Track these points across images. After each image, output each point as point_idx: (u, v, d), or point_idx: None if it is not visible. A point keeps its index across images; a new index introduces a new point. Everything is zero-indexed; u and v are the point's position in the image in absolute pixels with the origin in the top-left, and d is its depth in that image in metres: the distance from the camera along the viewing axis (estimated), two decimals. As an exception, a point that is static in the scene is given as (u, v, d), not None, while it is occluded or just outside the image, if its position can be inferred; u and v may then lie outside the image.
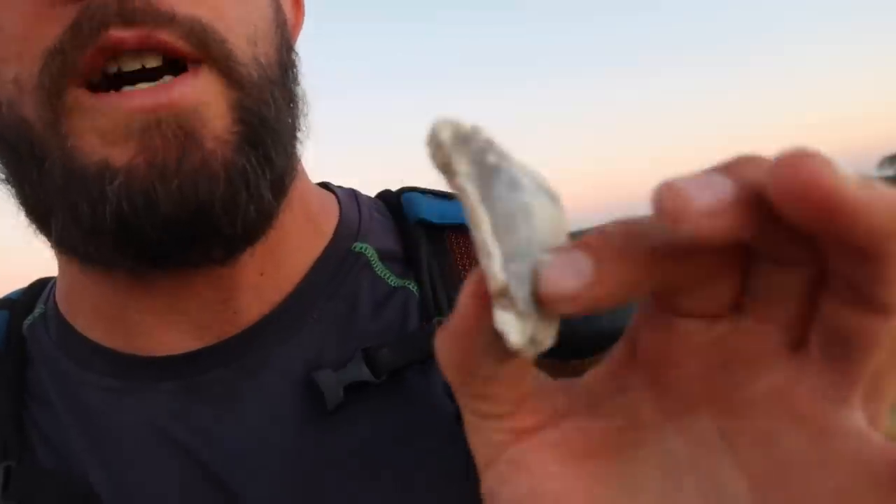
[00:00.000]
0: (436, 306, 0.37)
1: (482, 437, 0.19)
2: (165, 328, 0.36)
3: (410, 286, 0.38)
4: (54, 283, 0.42)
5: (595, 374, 0.20)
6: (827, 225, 0.14)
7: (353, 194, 0.43)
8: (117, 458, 0.35)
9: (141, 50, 0.30)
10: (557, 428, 0.19)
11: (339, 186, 0.44)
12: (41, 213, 0.33)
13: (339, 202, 0.42)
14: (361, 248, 0.39)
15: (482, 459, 0.19)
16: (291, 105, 0.35)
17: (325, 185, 0.43)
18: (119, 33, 0.29)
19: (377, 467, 0.34)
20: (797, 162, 0.14)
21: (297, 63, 0.36)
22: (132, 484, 0.35)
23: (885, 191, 0.14)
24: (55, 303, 0.40)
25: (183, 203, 0.30)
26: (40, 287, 0.42)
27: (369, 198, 0.44)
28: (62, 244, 0.34)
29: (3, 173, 0.34)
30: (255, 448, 0.35)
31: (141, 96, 0.29)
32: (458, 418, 0.34)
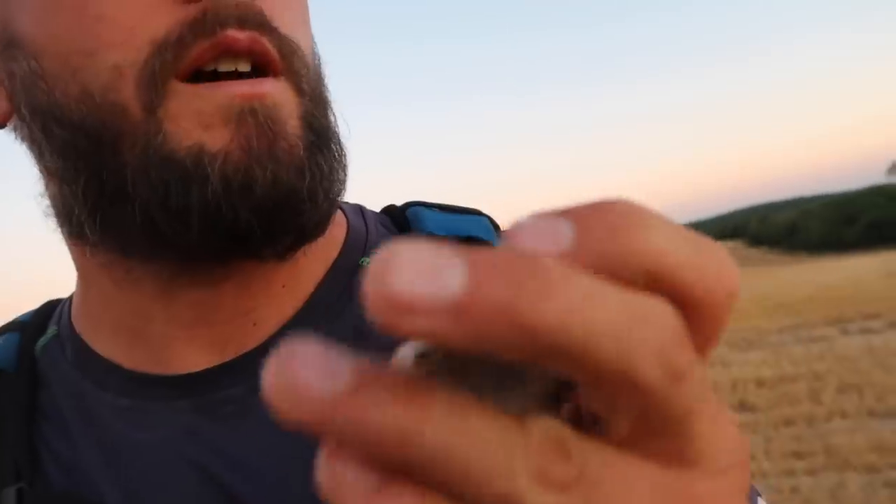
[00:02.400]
0: None
1: None
2: (188, 341, 0.37)
3: None
4: (66, 303, 0.42)
5: None
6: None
7: (360, 209, 0.44)
8: (133, 478, 0.35)
9: (245, 52, 0.32)
10: None
11: (345, 202, 0.44)
12: (116, 200, 0.33)
13: (346, 217, 0.42)
14: (369, 262, 0.39)
15: None
16: (337, 125, 0.37)
17: None
18: (235, 34, 0.32)
19: None
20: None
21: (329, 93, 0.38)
22: (146, 502, 0.35)
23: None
24: (70, 322, 0.40)
25: (276, 188, 0.32)
26: (50, 309, 0.43)
27: (375, 212, 0.44)
28: (122, 235, 0.34)
29: (62, 169, 0.34)
30: (269, 465, 0.35)
31: (239, 85, 0.32)
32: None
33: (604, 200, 0.13)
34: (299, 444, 0.35)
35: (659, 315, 0.12)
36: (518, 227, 0.12)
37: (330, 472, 0.12)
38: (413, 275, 0.11)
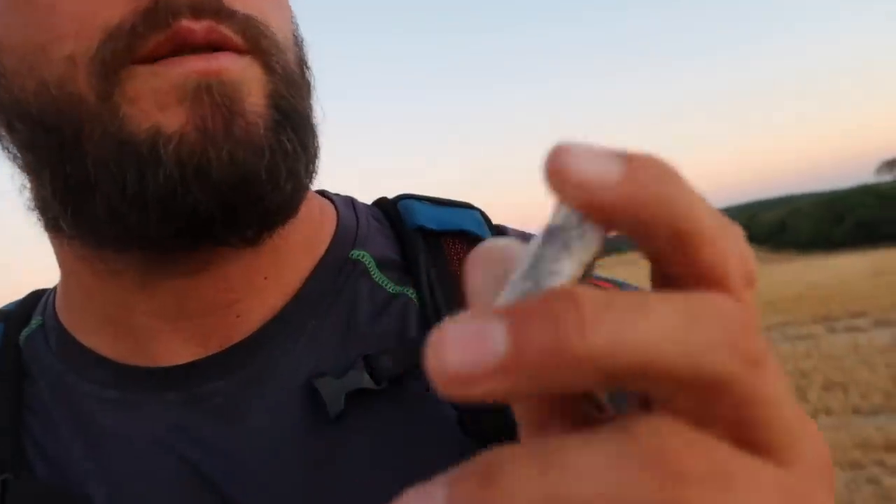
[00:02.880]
0: (435, 312, 0.37)
1: None
2: (171, 333, 0.36)
3: (409, 293, 0.38)
4: (51, 294, 0.41)
5: None
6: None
7: (351, 202, 0.43)
8: (118, 470, 0.35)
9: (202, 44, 0.31)
10: None
11: (336, 194, 0.44)
12: (80, 191, 0.33)
13: (336, 209, 0.42)
14: (359, 255, 0.39)
15: None
16: (312, 110, 0.36)
17: (321, 193, 0.43)
18: (189, 24, 0.31)
19: (380, 474, 0.34)
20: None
21: (311, 77, 0.37)
22: (133, 497, 0.35)
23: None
24: (55, 313, 0.40)
25: (233, 169, 0.31)
26: (35, 299, 0.42)
27: (366, 205, 0.44)
28: (92, 227, 0.34)
29: (30, 163, 0.34)
30: (257, 458, 0.35)
31: (194, 61, 0.31)
32: (459, 423, 0.34)
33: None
34: (287, 436, 0.35)
35: (717, 307, 0.13)
36: (568, 152, 0.13)
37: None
38: (460, 350, 0.12)
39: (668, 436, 0.12)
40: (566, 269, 0.14)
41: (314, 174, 0.35)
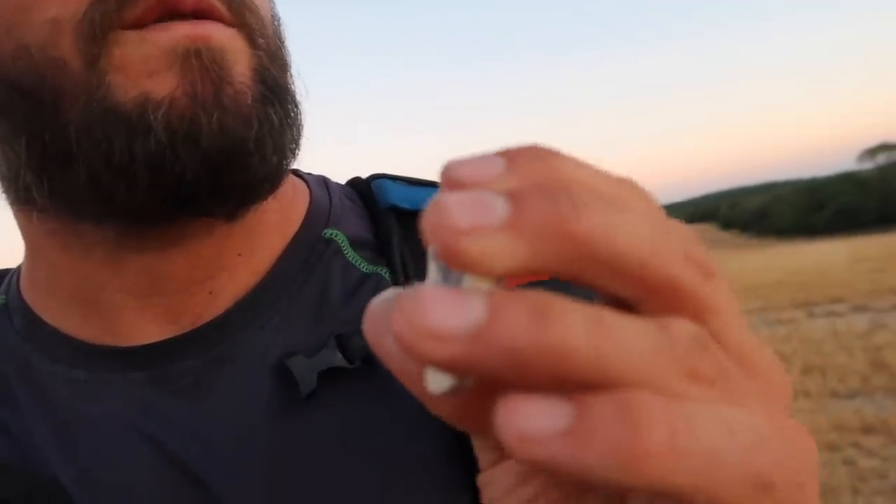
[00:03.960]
0: None
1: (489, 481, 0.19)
2: (141, 311, 0.36)
3: (383, 272, 0.38)
4: (15, 273, 0.41)
5: None
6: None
7: (323, 181, 0.43)
8: (85, 453, 0.35)
9: (191, 11, 0.31)
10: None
11: (309, 173, 0.43)
12: (60, 160, 0.32)
13: (309, 188, 0.41)
14: (332, 234, 0.39)
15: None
16: (294, 86, 0.36)
17: (294, 172, 0.43)
18: None
19: (351, 453, 0.34)
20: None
21: (288, 55, 0.37)
22: (100, 477, 0.34)
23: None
24: (19, 293, 0.39)
25: (222, 137, 0.30)
26: None
27: (339, 185, 0.44)
28: (70, 197, 0.33)
29: (3, 130, 0.33)
30: (226, 437, 0.34)
31: (182, 26, 0.31)
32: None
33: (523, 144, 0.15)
34: (258, 415, 0.35)
35: (673, 225, 0.15)
36: (456, 162, 0.14)
37: (514, 411, 0.13)
38: (467, 212, 0.13)
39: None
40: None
41: (297, 150, 0.35)
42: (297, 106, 0.35)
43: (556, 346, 0.12)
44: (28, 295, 0.39)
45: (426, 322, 0.13)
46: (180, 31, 0.30)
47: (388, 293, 0.16)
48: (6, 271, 0.42)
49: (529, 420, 0.12)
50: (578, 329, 0.13)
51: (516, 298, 0.13)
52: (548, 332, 0.12)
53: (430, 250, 0.15)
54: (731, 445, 0.13)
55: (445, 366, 0.13)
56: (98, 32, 0.30)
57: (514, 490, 0.18)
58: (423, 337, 0.13)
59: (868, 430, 3.72)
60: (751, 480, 0.13)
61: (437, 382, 0.15)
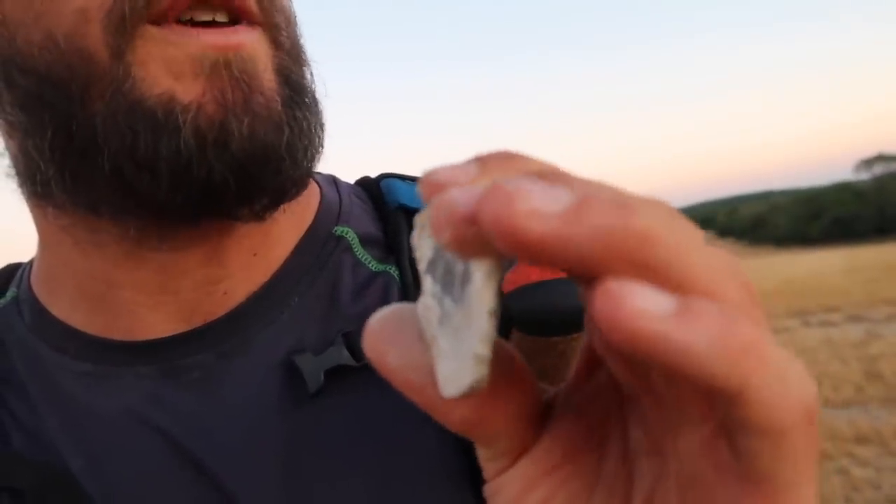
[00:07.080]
0: (417, 291, 0.37)
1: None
2: (152, 308, 0.36)
3: (392, 271, 0.38)
4: (27, 267, 0.41)
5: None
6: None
7: (333, 180, 0.43)
8: (95, 444, 0.35)
9: (221, 2, 0.31)
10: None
11: (318, 172, 0.44)
12: (85, 151, 0.31)
13: (319, 186, 0.42)
14: (343, 231, 0.39)
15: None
16: (314, 84, 0.36)
17: None
18: None
19: (358, 450, 0.34)
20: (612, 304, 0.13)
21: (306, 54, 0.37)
22: (111, 470, 0.34)
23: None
24: (30, 286, 0.39)
25: (252, 143, 0.31)
26: (10, 272, 0.42)
27: (348, 184, 0.44)
28: (91, 188, 0.33)
29: (23, 123, 0.32)
30: (234, 432, 0.34)
31: (213, 35, 0.31)
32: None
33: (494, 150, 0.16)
34: (266, 411, 0.35)
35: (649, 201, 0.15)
36: (435, 170, 0.16)
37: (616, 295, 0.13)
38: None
39: None
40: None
41: (322, 150, 0.35)
42: (317, 104, 0.35)
43: (642, 229, 0.13)
44: (37, 288, 0.39)
45: (527, 204, 0.13)
46: (208, 41, 0.30)
47: (386, 310, 0.17)
48: (19, 265, 0.42)
49: (643, 299, 0.13)
50: (662, 222, 0.14)
51: (601, 188, 0.14)
52: (634, 216, 0.13)
53: (429, 253, 0.16)
54: (794, 368, 0.14)
55: (540, 246, 0.13)
56: (127, 25, 0.30)
57: (522, 498, 0.18)
58: (523, 216, 0.13)
59: (862, 440, 3.72)
60: (804, 408, 0.14)
61: (452, 384, 0.15)
